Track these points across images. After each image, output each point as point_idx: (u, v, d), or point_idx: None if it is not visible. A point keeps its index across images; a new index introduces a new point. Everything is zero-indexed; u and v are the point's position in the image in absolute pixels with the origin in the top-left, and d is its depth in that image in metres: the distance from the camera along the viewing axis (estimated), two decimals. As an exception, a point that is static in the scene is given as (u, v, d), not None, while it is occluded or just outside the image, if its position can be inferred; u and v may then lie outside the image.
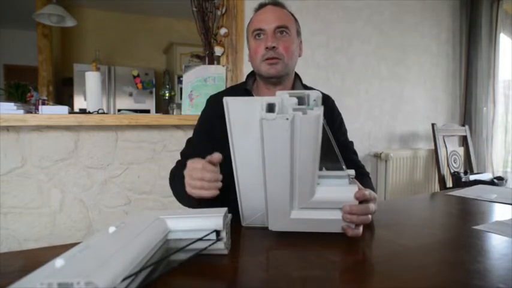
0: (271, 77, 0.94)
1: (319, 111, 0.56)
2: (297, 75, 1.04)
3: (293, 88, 1.01)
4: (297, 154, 0.58)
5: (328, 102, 1.05)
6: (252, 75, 1.04)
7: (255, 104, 0.58)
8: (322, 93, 1.08)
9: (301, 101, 0.59)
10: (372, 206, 0.64)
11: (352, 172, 0.66)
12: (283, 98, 0.59)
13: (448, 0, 2.78)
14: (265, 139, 0.57)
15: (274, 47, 0.90)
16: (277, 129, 0.55)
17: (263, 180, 0.61)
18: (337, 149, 0.63)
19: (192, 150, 0.98)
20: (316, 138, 0.58)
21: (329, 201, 0.63)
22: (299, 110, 0.56)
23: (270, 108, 0.57)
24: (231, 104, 0.60)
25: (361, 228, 0.62)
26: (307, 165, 0.59)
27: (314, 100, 0.59)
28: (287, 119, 0.54)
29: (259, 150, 0.59)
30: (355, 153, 1.05)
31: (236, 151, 0.65)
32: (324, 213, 0.63)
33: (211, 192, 0.69)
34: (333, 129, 1.02)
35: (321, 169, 0.68)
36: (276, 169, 0.60)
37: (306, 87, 1.03)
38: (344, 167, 0.66)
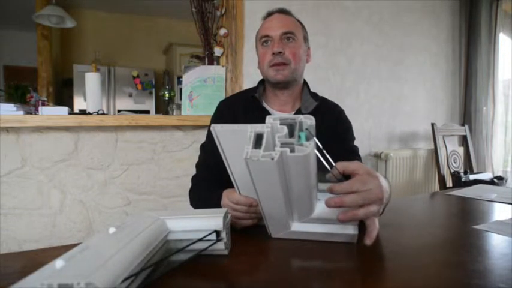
0: (279, 82, 0.94)
1: (309, 148, 0.52)
2: (305, 82, 1.03)
3: (300, 96, 1.01)
4: (289, 184, 0.56)
5: (335, 111, 1.04)
6: (263, 81, 1.04)
7: (243, 133, 0.56)
8: (331, 102, 1.06)
9: (292, 128, 0.55)
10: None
11: None
12: (273, 125, 0.55)
13: (448, 0, 2.78)
14: (253, 176, 0.55)
15: (280, 52, 0.91)
16: (263, 169, 0.52)
17: (258, 203, 0.61)
18: (337, 171, 0.58)
19: (206, 155, 0.99)
20: (307, 173, 0.54)
21: (329, 218, 0.61)
22: (287, 145, 0.52)
23: (258, 139, 0.54)
24: (219, 133, 0.59)
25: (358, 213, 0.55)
26: (302, 192, 0.58)
27: (306, 129, 0.55)
28: (272, 159, 0.50)
29: None
30: (359, 157, 1.05)
31: (234, 171, 0.64)
32: (325, 227, 0.62)
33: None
34: (338, 135, 0.99)
35: (323, 180, 0.66)
36: (270, 196, 0.58)
37: (314, 96, 1.02)
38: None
